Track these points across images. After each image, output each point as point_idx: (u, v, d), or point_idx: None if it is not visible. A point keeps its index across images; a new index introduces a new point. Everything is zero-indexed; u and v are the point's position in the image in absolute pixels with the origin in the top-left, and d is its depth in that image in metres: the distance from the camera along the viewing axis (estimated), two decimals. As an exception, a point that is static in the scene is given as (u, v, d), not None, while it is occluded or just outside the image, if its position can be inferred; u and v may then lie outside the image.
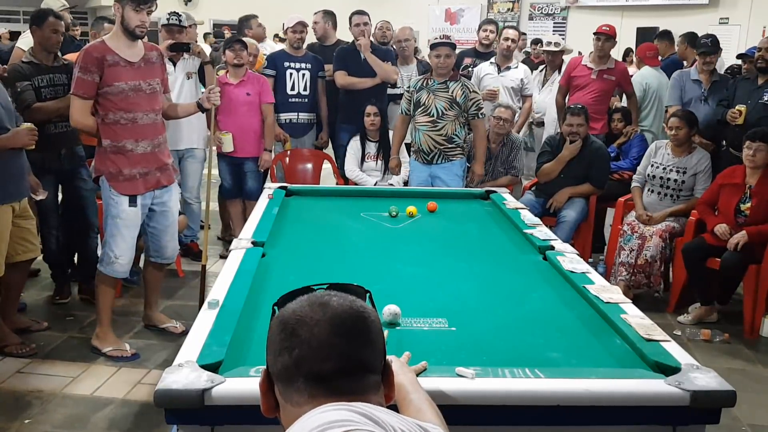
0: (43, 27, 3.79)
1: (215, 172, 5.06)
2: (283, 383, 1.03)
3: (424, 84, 4.64)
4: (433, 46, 4.62)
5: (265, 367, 1.08)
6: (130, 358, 3.45)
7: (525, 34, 9.17)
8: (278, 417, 1.08)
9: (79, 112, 3.28)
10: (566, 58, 6.09)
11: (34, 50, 3.85)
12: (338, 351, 1.01)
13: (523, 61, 6.87)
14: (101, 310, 3.51)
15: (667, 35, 6.72)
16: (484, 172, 4.81)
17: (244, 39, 5.01)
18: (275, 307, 1.11)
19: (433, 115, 4.59)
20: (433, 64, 4.64)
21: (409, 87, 4.77)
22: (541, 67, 6.09)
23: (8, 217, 3.38)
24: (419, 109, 4.63)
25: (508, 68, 5.54)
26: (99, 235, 4.13)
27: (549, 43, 5.85)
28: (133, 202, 3.38)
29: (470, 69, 5.72)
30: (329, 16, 5.58)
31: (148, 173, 3.42)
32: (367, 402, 0.99)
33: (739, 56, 5.38)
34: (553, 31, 12.01)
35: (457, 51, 4.93)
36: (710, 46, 5.03)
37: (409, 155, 4.94)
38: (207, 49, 5.46)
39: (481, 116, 4.68)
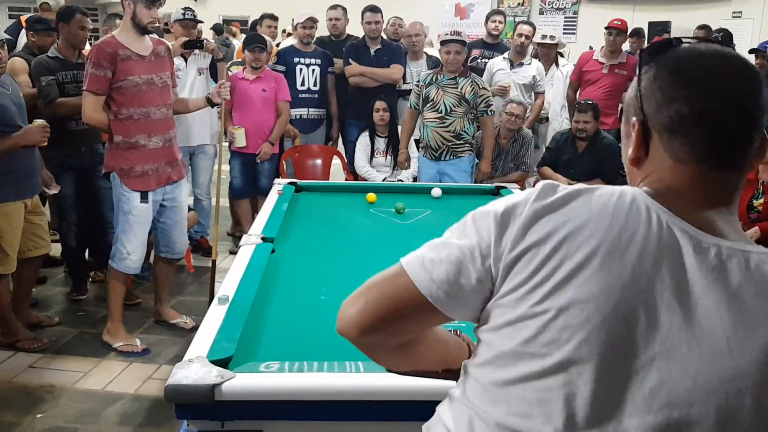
0: (71, 23, 3.83)
1: (226, 168, 5.07)
2: (670, 134, 0.91)
3: (434, 79, 4.63)
4: (443, 43, 4.60)
5: (639, 117, 0.95)
6: (141, 353, 3.46)
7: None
8: (633, 169, 0.98)
9: (92, 108, 3.30)
10: (576, 54, 6.06)
11: (60, 46, 3.88)
12: (745, 113, 0.89)
13: (533, 57, 6.82)
14: (112, 305, 3.53)
15: (638, 32, 6.67)
16: (491, 170, 4.79)
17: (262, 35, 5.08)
18: (644, 55, 0.97)
19: (441, 111, 4.57)
20: (443, 60, 4.62)
21: (418, 81, 4.77)
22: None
23: (21, 214, 3.41)
24: (427, 105, 4.61)
25: (521, 64, 5.51)
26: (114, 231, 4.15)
27: (544, 36, 5.79)
28: (144, 198, 3.40)
29: (478, 61, 5.68)
30: (345, 11, 5.58)
31: (159, 169, 3.45)
32: (737, 173, 0.93)
33: (751, 51, 5.32)
34: (564, 25, 11.95)
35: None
36: (719, 41, 4.98)
37: (418, 151, 4.93)
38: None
39: (490, 113, 4.66)
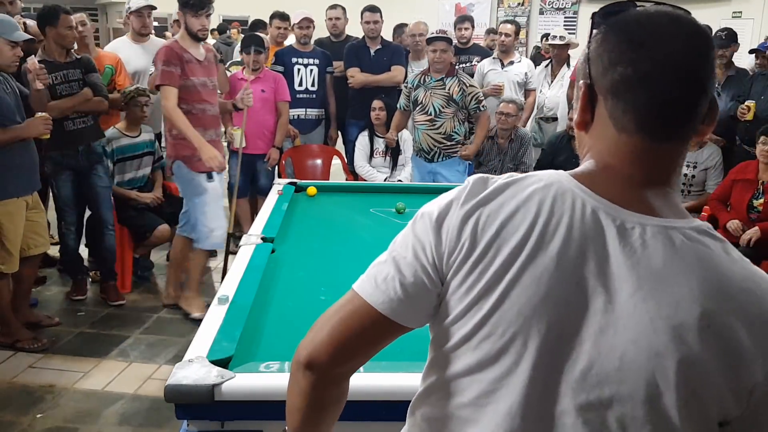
0: (58, 25, 3.79)
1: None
2: (613, 98, 0.91)
3: (422, 81, 4.62)
4: (429, 41, 4.60)
5: (586, 81, 0.94)
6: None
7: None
8: (580, 133, 0.98)
9: (171, 99, 3.56)
10: (574, 53, 6.04)
11: (48, 48, 3.86)
12: (691, 78, 0.88)
13: (534, 56, 6.80)
14: (192, 278, 3.89)
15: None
16: (472, 155, 4.71)
17: (260, 35, 5.09)
18: (596, 18, 0.95)
19: (430, 114, 4.56)
20: (429, 59, 4.61)
21: (407, 83, 4.76)
22: (545, 63, 6.04)
23: (23, 211, 3.41)
24: (417, 108, 4.61)
25: (512, 63, 5.51)
26: (114, 231, 4.14)
27: (554, 37, 5.81)
28: (210, 177, 3.71)
29: (459, 68, 5.63)
30: (345, 11, 5.56)
31: None
32: (680, 144, 0.92)
33: (751, 51, 5.32)
34: (564, 25, 11.95)
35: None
36: (723, 39, 4.97)
37: (414, 151, 4.93)
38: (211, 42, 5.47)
39: (482, 109, 4.62)
